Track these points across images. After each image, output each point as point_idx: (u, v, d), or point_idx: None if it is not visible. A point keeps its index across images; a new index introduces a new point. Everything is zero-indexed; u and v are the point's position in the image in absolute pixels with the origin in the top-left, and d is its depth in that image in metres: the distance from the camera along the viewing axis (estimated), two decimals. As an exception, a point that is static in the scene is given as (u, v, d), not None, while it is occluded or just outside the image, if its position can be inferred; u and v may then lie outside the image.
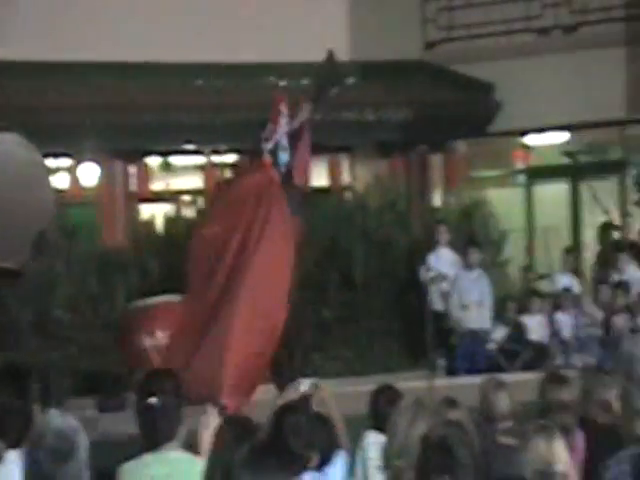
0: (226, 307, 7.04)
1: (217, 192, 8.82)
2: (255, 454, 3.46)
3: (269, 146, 8.74)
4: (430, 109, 16.39)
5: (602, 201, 9.06)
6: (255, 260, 7.38)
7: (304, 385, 5.57)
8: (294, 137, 8.89)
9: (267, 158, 8.67)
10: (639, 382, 4.16)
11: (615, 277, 13.46)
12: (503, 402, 6.03)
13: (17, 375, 4.02)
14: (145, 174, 15.89)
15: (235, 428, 3.95)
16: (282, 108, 8.89)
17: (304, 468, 4.21)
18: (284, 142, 8.85)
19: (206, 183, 15.72)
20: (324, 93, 9.22)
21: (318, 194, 16.45)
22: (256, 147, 8.84)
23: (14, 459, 3.75)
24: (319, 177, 16.58)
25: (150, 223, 15.05)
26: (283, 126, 8.81)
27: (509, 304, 14.21)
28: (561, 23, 16.68)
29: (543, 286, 15.02)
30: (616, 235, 14.57)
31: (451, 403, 5.64)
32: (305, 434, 4.22)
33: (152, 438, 4.12)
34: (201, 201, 15.10)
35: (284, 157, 8.88)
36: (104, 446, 6.04)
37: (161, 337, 12.52)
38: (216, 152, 16.26)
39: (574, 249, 14.95)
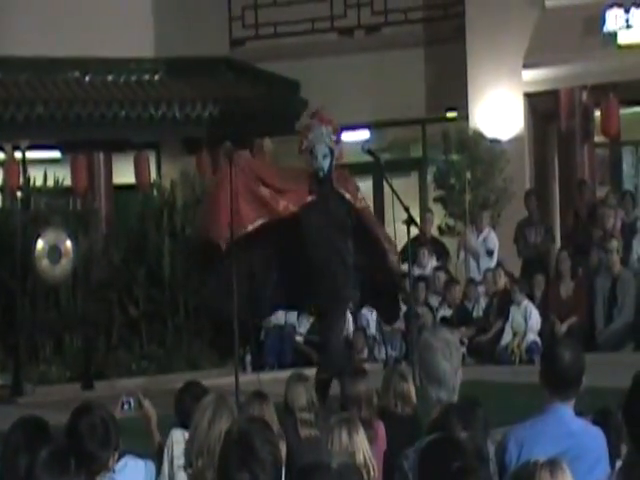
0: None
1: None
2: (55, 456, 3.41)
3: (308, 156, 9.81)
4: (236, 106, 16.46)
5: (403, 198, 9.32)
6: None
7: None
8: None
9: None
10: (434, 372, 4.32)
11: (416, 271, 13.85)
12: (302, 395, 6.15)
13: None
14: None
15: (27, 429, 3.88)
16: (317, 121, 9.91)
17: (102, 469, 4.18)
18: (316, 151, 9.68)
19: (6, 179, 15.29)
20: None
21: (125, 191, 16.29)
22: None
23: None
24: (125, 173, 16.40)
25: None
26: (313, 138, 9.68)
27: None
28: (364, 23, 17.05)
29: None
30: (416, 231, 15.00)
31: (259, 397, 5.71)
32: (100, 435, 4.19)
33: None
34: (1, 198, 14.70)
35: (315, 163, 9.66)
36: None
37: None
38: (17, 148, 15.85)
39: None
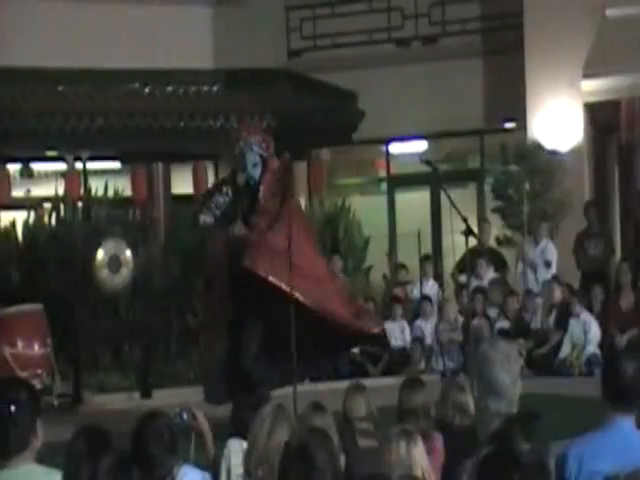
0: None
1: None
2: (118, 464, 3.45)
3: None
4: (294, 117, 16.52)
5: (460, 209, 9.28)
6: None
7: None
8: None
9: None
10: (493, 384, 4.30)
11: (474, 283, 13.79)
12: (362, 405, 6.14)
13: None
14: (4, 181, 15.55)
15: (89, 437, 3.92)
16: (245, 130, 10.16)
17: (166, 476, 4.21)
18: (245, 160, 9.80)
19: (67, 190, 15.49)
20: None
21: (183, 201, 16.41)
22: None
23: None
24: (184, 184, 16.52)
25: (10, 230, 14.74)
26: (242, 148, 9.55)
27: (369, 305, 14.42)
28: (421, 34, 17.03)
29: (404, 292, 15.27)
30: (474, 242, 14.95)
31: (317, 408, 5.71)
32: (166, 441, 4.22)
33: (4, 450, 4.04)
34: (62, 208, 14.88)
35: (246, 172, 9.59)
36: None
37: (21, 346, 12.31)
38: (78, 159, 16.05)
39: (430, 257, 15.25)
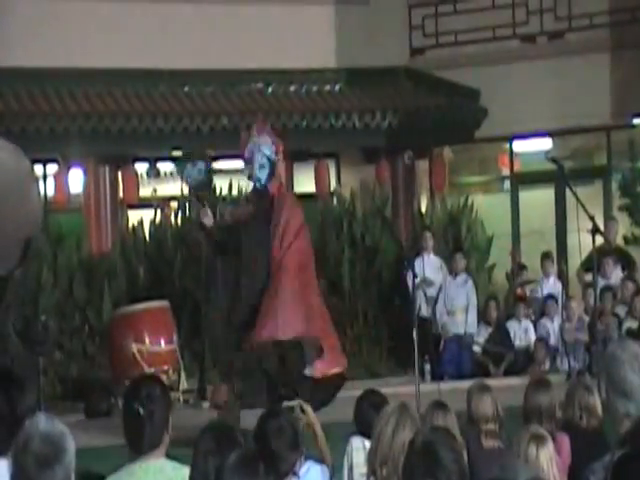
0: None
1: None
2: (244, 460, 3.48)
3: (248, 165, 9.46)
4: (416, 115, 16.45)
5: (586, 207, 9.10)
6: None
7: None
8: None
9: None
10: (621, 385, 4.19)
11: (601, 282, 13.52)
12: (487, 405, 6.07)
13: (7, 381, 4.02)
14: (132, 180, 15.90)
15: (216, 434, 3.96)
16: (255, 131, 9.79)
17: (289, 471, 4.24)
18: (253, 161, 9.53)
19: (193, 189, 15.72)
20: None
21: (305, 199, 16.50)
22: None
23: (2, 466, 3.75)
24: (306, 182, 16.62)
25: (137, 229, 15.05)
26: (253, 148, 9.53)
27: (491, 303, 14.28)
28: (546, 30, 16.77)
29: (529, 291, 15.07)
30: (601, 241, 14.66)
31: (441, 406, 5.67)
32: (288, 437, 4.25)
33: (138, 446, 4.11)
34: (188, 207, 15.12)
35: (255, 173, 9.51)
36: (90, 452, 6.04)
37: (149, 342, 12.56)
38: (203, 158, 16.29)
39: (551, 254, 15.02)
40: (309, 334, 9.32)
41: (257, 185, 9.78)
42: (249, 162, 9.83)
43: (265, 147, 9.76)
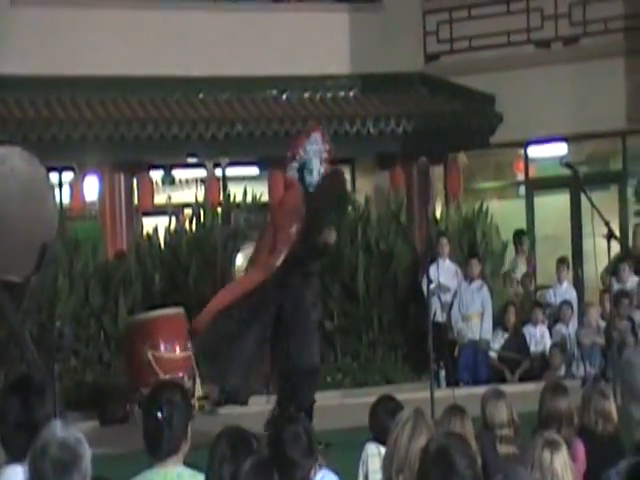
0: None
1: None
2: (259, 467, 3.49)
3: (295, 165, 9.55)
4: (431, 121, 16.45)
5: (602, 212, 9.08)
6: None
7: None
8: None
9: (291, 175, 9.62)
10: (636, 391, 4.19)
11: (616, 287, 13.48)
12: (502, 411, 6.06)
13: (27, 388, 4.03)
14: (147, 187, 15.94)
15: (231, 440, 3.96)
16: (314, 137, 9.85)
17: (305, 478, 4.24)
18: (311, 165, 9.61)
19: (207, 196, 15.77)
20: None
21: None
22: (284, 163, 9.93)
23: (19, 472, 3.77)
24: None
25: (152, 236, 15.09)
26: (310, 151, 9.60)
27: (510, 308, 14.25)
28: (561, 35, 16.75)
29: (544, 297, 15.04)
30: (617, 245, 14.61)
31: (458, 410, 5.66)
32: (304, 444, 4.25)
33: (156, 452, 4.11)
34: (202, 214, 15.15)
35: (309, 178, 9.58)
36: (106, 460, 6.06)
37: (164, 349, 12.59)
38: (218, 165, 16.33)
39: (566, 259, 14.99)
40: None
41: (310, 189, 9.87)
42: (300, 162, 9.86)
43: (322, 155, 9.91)
